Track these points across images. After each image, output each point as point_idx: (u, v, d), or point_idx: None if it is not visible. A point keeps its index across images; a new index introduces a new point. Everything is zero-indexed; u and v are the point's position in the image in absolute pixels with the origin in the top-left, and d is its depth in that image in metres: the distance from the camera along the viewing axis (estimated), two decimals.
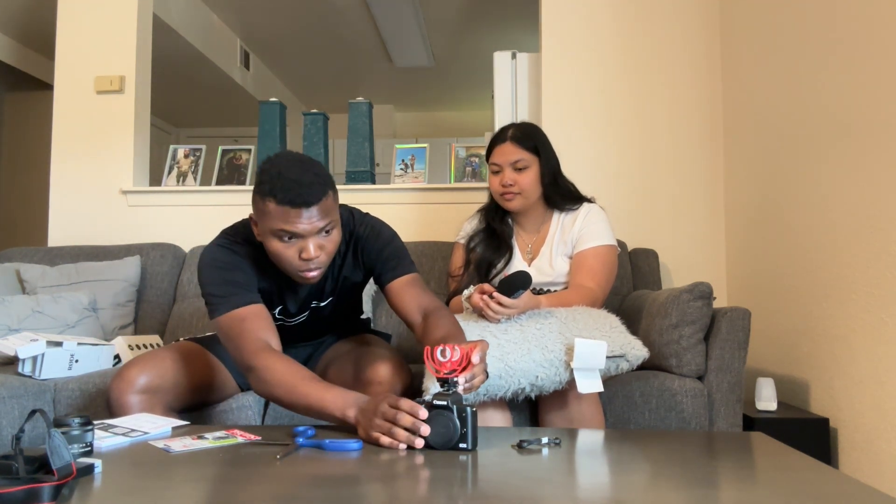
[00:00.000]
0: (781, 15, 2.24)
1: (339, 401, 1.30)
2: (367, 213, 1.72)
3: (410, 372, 1.67)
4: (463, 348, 1.25)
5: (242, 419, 1.73)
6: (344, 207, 1.68)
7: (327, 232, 1.48)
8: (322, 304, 1.72)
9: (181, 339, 1.85)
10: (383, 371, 1.59)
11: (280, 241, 1.46)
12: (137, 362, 1.55)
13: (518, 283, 1.62)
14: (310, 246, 1.45)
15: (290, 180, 1.41)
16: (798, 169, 2.12)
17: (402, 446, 1.18)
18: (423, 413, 1.18)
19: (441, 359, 1.23)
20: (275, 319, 1.64)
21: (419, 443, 1.17)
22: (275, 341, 1.47)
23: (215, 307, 1.51)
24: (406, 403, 1.20)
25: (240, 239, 1.60)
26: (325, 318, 1.77)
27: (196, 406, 1.67)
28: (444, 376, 1.23)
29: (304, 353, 1.85)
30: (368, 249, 1.66)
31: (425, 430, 1.17)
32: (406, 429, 1.18)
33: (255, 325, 1.47)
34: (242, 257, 1.57)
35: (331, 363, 1.78)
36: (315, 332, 1.81)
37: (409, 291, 1.62)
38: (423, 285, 1.66)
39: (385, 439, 1.19)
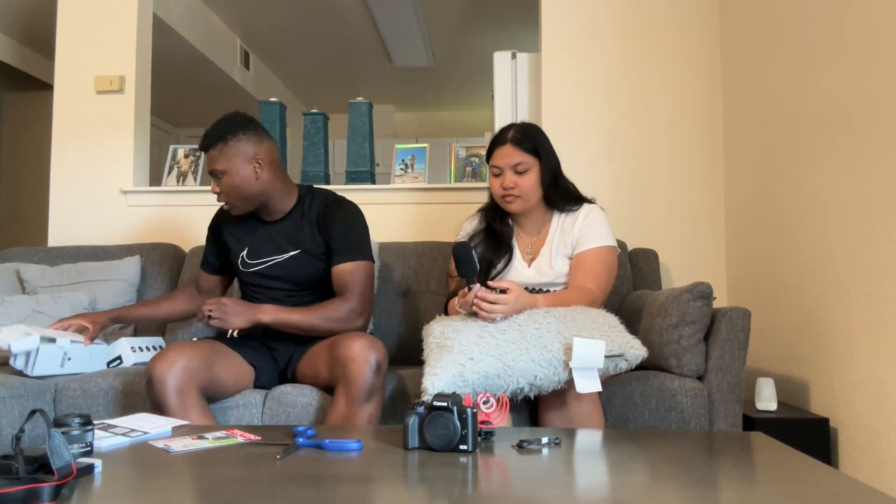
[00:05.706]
0: (781, 15, 2.25)
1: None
2: (341, 196, 2.02)
3: (385, 349, 1.72)
4: (502, 396, 1.37)
5: (246, 417, 1.74)
6: (305, 186, 2.03)
7: (219, 177, 1.89)
8: (281, 259, 1.94)
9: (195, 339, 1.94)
10: (356, 347, 1.66)
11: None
12: (176, 346, 1.69)
13: (462, 261, 1.65)
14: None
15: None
16: (798, 169, 2.13)
17: None
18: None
19: (485, 409, 1.32)
20: (242, 263, 1.98)
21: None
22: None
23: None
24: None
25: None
26: (282, 279, 1.94)
27: (217, 396, 1.76)
28: (483, 426, 1.30)
29: (285, 356, 1.95)
30: (328, 225, 1.91)
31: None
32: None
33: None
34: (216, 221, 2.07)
35: (308, 354, 1.89)
36: (281, 297, 1.97)
37: (347, 278, 1.88)
38: (361, 277, 1.88)
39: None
